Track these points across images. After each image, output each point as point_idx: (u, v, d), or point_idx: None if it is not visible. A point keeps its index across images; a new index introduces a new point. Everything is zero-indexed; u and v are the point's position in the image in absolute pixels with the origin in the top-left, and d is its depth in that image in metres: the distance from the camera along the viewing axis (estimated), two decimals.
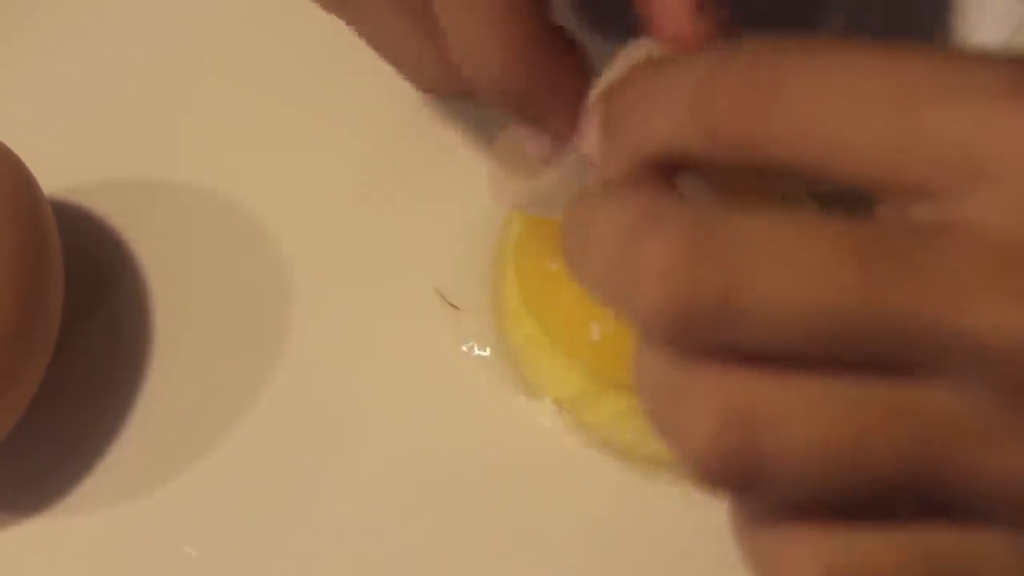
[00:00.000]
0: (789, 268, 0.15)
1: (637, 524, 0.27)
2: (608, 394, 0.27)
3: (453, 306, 0.29)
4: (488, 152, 0.29)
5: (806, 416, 0.15)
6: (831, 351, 0.15)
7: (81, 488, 0.28)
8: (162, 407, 0.29)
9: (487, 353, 0.28)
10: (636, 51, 0.21)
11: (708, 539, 0.25)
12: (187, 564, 0.27)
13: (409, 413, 0.28)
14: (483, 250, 0.29)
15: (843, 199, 0.18)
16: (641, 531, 0.27)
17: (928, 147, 0.15)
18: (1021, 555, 0.16)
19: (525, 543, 0.27)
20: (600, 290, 0.17)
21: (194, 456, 0.28)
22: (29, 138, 0.29)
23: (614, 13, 0.30)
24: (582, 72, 0.22)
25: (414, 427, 0.28)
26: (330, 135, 0.32)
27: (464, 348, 0.29)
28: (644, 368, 0.17)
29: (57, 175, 0.30)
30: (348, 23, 0.26)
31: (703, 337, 0.16)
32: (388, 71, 0.32)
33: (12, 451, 0.28)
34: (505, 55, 0.21)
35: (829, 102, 0.16)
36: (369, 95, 0.32)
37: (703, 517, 0.24)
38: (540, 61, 0.21)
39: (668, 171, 0.18)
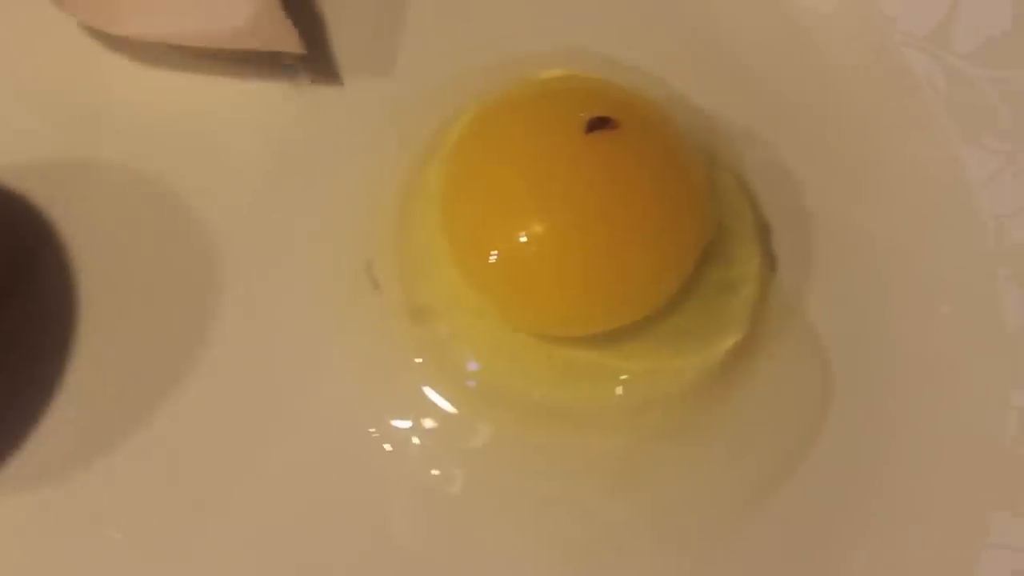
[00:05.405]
0: None
1: None
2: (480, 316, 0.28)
3: (375, 283, 0.29)
4: None
5: None
6: None
7: (5, 471, 0.28)
8: (86, 390, 0.28)
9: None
10: None
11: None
12: (111, 546, 0.27)
13: (337, 389, 0.29)
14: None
15: None
16: None
17: None
18: None
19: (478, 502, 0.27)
20: None
21: (118, 439, 0.28)
22: None
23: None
24: None
25: (342, 403, 0.28)
26: (254, 112, 0.31)
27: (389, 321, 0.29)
28: None
29: None
30: None
31: None
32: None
33: None
34: None
35: None
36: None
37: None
38: None
39: None
